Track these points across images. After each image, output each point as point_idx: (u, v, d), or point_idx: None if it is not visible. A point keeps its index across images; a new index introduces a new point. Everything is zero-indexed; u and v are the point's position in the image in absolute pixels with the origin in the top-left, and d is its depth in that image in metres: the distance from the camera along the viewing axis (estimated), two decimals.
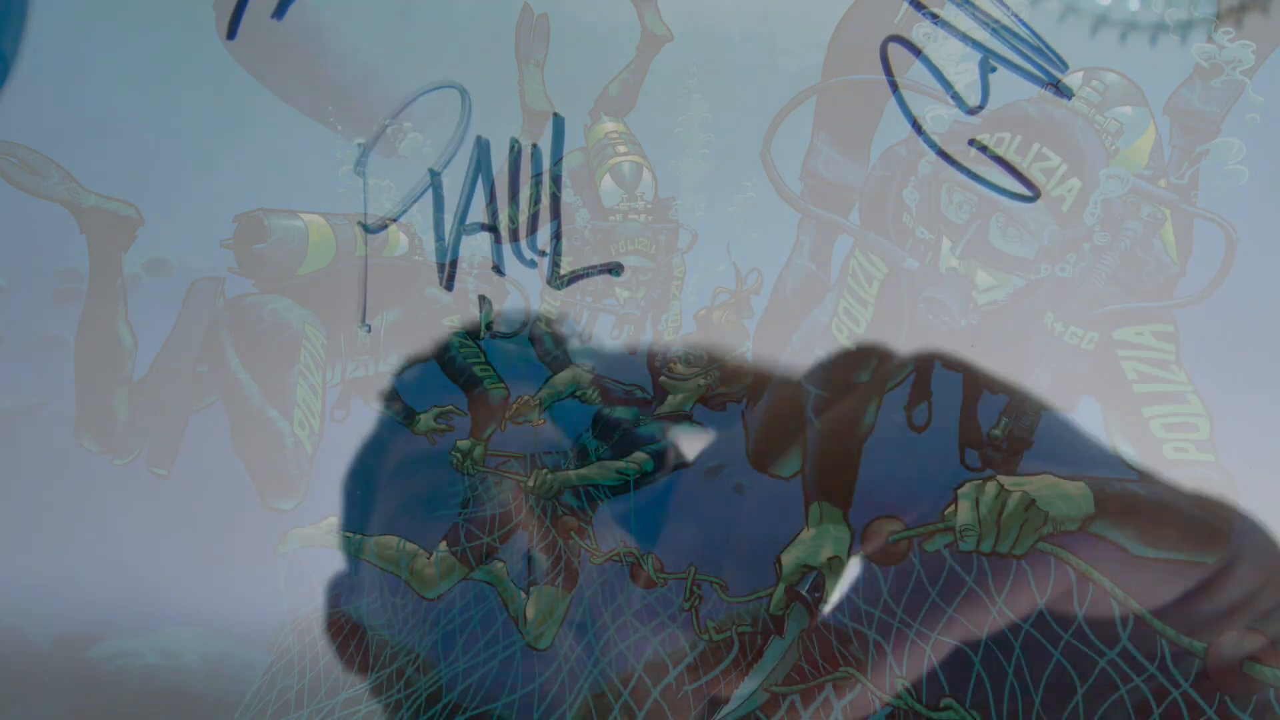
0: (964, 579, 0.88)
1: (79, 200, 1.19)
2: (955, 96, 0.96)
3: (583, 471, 1.06)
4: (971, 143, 0.95)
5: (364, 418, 1.15)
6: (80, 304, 1.22)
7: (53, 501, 1.22)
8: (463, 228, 1.09)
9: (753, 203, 1.07)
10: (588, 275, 1.11)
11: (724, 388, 1.04)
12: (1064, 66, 0.94)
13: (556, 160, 1.09)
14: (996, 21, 0.94)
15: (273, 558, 1.13)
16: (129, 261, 1.21)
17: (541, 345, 1.12)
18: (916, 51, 0.97)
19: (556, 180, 1.09)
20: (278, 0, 1.11)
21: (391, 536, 1.10)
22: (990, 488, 0.86)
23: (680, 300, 1.13)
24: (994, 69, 0.94)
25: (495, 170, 1.09)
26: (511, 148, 1.08)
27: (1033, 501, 0.84)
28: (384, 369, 1.15)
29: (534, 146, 1.09)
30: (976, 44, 0.95)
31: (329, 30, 1.16)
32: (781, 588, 0.93)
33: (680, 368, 1.07)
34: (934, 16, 0.96)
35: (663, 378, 1.08)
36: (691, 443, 1.04)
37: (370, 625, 1.10)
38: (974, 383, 0.94)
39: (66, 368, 1.21)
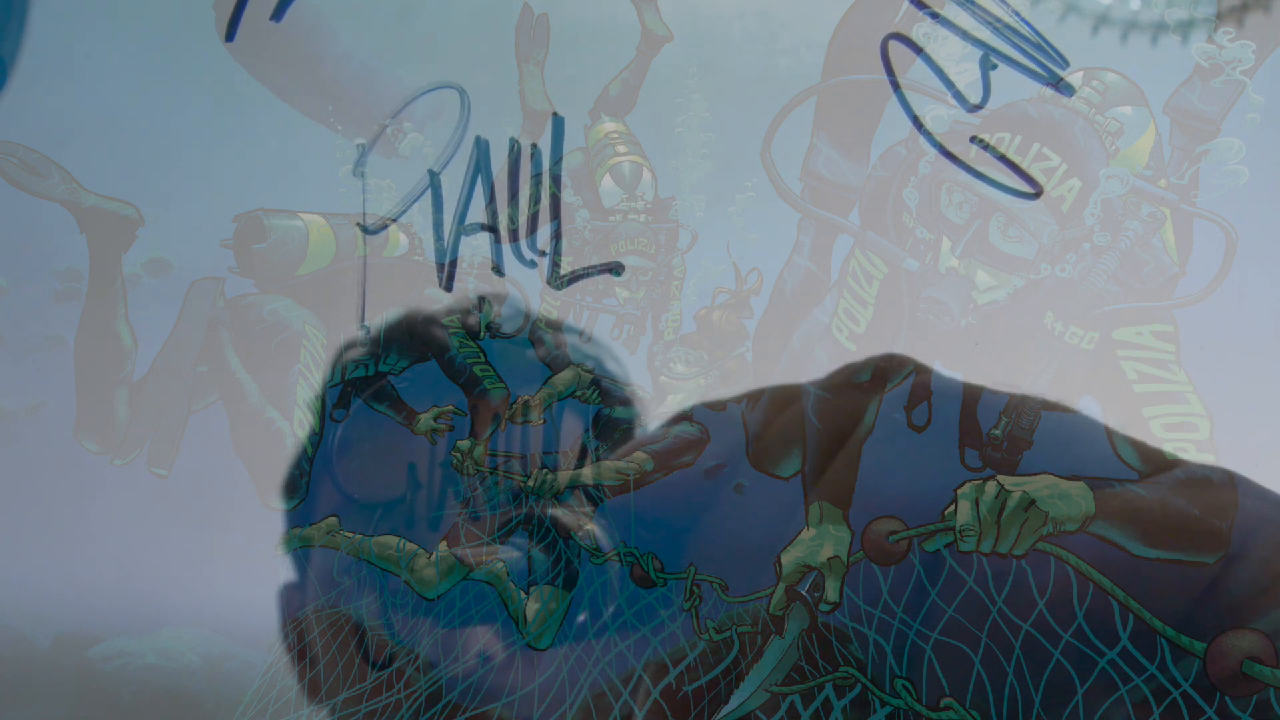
0: (964, 579, 0.88)
1: (79, 200, 1.19)
2: (957, 95, 0.96)
3: (583, 471, 1.06)
4: (973, 140, 0.95)
5: (364, 418, 1.15)
6: (80, 304, 1.22)
7: (53, 501, 1.22)
8: (462, 228, 1.09)
9: (753, 203, 1.07)
10: (588, 275, 1.11)
11: (724, 388, 1.04)
12: (1065, 64, 0.94)
13: (556, 160, 1.09)
14: (998, 19, 0.94)
15: (273, 557, 1.13)
16: (129, 261, 1.21)
17: (542, 345, 1.12)
18: (917, 50, 0.96)
19: (556, 180, 1.09)
20: (276, 1, 1.11)
21: (391, 536, 1.10)
22: (990, 488, 0.86)
23: (680, 300, 1.13)
24: (995, 66, 0.94)
25: (495, 170, 1.09)
26: (511, 148, 1.08)
27: (1033, 501, 0.84)
28: (384, 369, 1.15)
29: (534, 146, 1.09)
30: (978, 42, 0.95)
31: (329, 30, 1.16)
32: (781, 588, 0.93)
33: (680, 368, 1.07)
34: (935, 15, 0.96)
35: (663, 377, 1.08)
36: (690, 444, 1.04)
37: (370, 625, 1.10)
38: (974, 383, 0.94)
39: (66, 368, 1.21)
